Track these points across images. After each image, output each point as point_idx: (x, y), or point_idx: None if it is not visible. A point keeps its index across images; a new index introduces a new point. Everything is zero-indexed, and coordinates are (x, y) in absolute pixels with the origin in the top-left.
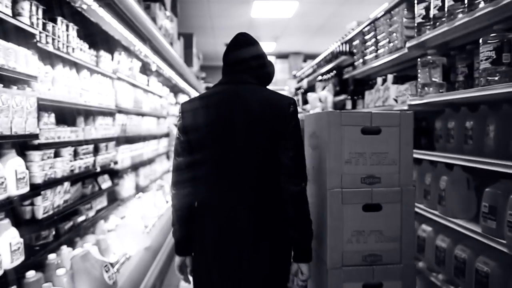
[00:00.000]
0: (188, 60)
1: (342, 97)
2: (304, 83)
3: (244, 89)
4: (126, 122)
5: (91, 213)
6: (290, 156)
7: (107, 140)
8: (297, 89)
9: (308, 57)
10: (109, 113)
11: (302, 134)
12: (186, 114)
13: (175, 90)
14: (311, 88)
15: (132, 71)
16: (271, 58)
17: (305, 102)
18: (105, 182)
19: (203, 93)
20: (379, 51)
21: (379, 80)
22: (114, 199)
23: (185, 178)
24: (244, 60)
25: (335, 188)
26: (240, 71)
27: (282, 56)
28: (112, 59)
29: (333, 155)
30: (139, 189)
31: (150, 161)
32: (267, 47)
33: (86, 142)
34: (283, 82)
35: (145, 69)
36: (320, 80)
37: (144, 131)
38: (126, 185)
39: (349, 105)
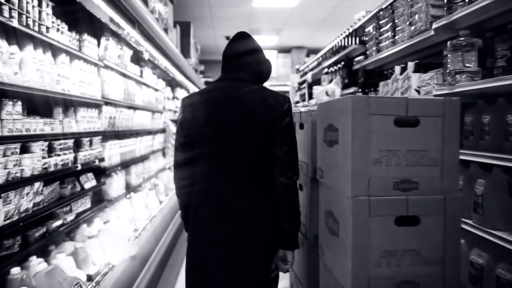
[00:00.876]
0: (185, 51)
1: (351, 89)
2: (309, 77)
3: (242, 86)
4: (115, 115)
5: (70, 217)
6: (283, 150)
7: (92, 134)
8: (301, 83)
9: (311, 51)
10: (94, 105)
11: (295, 129)
12: (186, 108)
13: (173, 84)
14: (316, 82)
15: (122, 60)
16: (272, 53)
17: (310, 96)
18: (89, 182)
19: (203, 89)
20: (397, 37)
21: (397, 69)
22: (100, 200)
23: (185, 169)
24: (242, 58)
25: (360, 195)
26: (238, 69)
27: (285, 50)
28: (99, 45)
29: (357, 153)
30: (130, 188)
31: (143, 158)
32: (269, 40)
33: (65, 136)
34: (285, 77)
35: (138, 59)
36: (327, 73)
37: (136, 126)
38: (115, 184)
39: None
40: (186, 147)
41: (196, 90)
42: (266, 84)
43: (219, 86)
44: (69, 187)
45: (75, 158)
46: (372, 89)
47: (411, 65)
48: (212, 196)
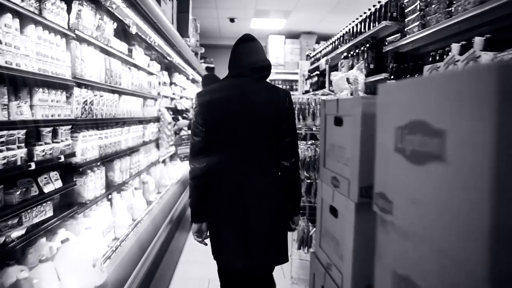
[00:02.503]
0: (182, 28)
1: (380, 76)
2: (322, 63)
3: (251, 83)
4: (93, 100)
5: (18, 232)
6: (285, 137)
7: (56, 123)
8: (312, 71)
9: (322, 38)
10: (61, 86)
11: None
12: (203, 101)
13: (170, 69)
14: (331, 68)
15: (102, 33)
16: (280, 38)
17: (322, 85)
18: (51, 183)
19: (216, 84)
20: (453, 6)
21: (455, 47)
22: (69, 204)
23: (201, 154)
24: (250, 58)
25: None
26: (247, 68)
27: (293, 36)
28: (70, 10)
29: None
30: (112, 187)
31: (131, 151)
32: (277, 24)
33: (11, 125)
34: (293, 65)
35: (127, 37)
36: (346, 57)
37: (123, 114)
38: (91, 184)
39: None
40: (203, 136)
41: (197, 76)
42: (273, 72)
43: (231, 83)
44: (19, 192)
45: (30, 154)
46: (409, 75)
47: (479, 41)
48: (227, 177)
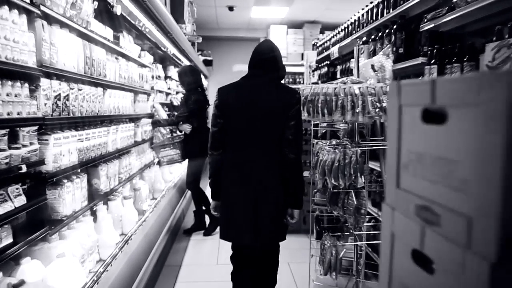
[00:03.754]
0: (177, 12)
1: (414, 61)
2: (334, 51)
3: (264, 83)
4: (68, 94)
5: None
6: (291, 132)
7: (15, 123)
8: (320, 61)
9: (326, 27)
10: (22, 76)
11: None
12: (222, 96)
13: (165, 61)
14: (343, 57)
15: (79, 12)
16: (282, 28)
17: (333, 76)
18: (9, 201)
19: (235, 82)
20: None
21: None
22: (40, 223)
23: (219, 143)
24: (269, 62)
25: None
26: (264, 69)
27: (296, 25)
28: None
29: None
30: (98, 197)
31: (121, 153)
32: (278, 12)
33: None
34: (296, 57)
35: (113, 22)
36: (365, 42)
37: (110, 110)
38: (69, 197)
39: (428, 73)
40: (220, 127)
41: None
42: None
43: (248, 81)
44: None
45: None
46: (453, 59)
47: None
48: (238, 164)
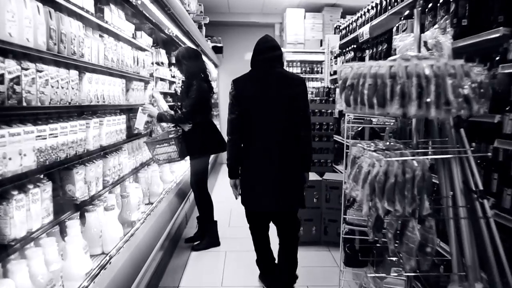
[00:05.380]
0: None
1: (487, 36)
2: (364, 32)
3: (274, 70)
4: (19, 75)
5: None
6: (302, 114)
7: None
8: (345, 45)
9: (348, 11)
10: None
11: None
12: (238, 87)
13: (170, 47)
14: (376, 39)
15: None
16: (299, 12)
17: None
18: None
19: (247, 73)
20: None
21: None
22: None
23: (236, 128)
24: (271, 52)
25: None
26: (269, 59)
27: (314, 9)
28: None
29: None
30: (71, 209)
31: (106, 151)
32: None
33: None
34: (314, 43)
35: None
36: (408, 17)
37: (90, 99)
38: (20, 214)
39: None
40: (238, 114)
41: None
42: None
43: (259, 71)
44: None
45: None
46: None
47: None
48: (258, 145)
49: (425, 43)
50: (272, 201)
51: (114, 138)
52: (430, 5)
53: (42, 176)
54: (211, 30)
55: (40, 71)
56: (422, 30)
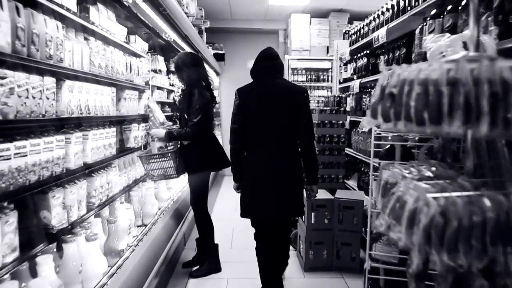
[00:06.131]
0: None
1: None
2: (380, 35)
3: (275, 81)
4: None
5: None
6: (304, 122)
7: None
8: (355, 52)
9: (356, 17)
10: None
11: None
12: (242, 97)
13: (169, 54)
14: (391, 43)
15: None
16: (304, 17)
17: (375, 69)
18: None
19: (250, 84)
20: None
21: None
22: None
23: (239, 136)
24: (272, 63)
25: None
26: (269, 67)
27: (320, 14)
28: None
29: None
30: (44, 240)
31: (92, 169)
32: (300, 0)
33: None
34: (320, 50)
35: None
36: (435, 16)
37: (72, 111)
38: None
39: None
40: (240, 123)
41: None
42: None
43: (262, 81)
44: None
45: None
46: None
47: None
48: (261, 152)
49: (464, 43)
50: (272, 208)
51: (102, 153)
52: (463, 2)
53: (6, 204)
54: (213, 36)
55: (3, 78)
56: (454, 30)
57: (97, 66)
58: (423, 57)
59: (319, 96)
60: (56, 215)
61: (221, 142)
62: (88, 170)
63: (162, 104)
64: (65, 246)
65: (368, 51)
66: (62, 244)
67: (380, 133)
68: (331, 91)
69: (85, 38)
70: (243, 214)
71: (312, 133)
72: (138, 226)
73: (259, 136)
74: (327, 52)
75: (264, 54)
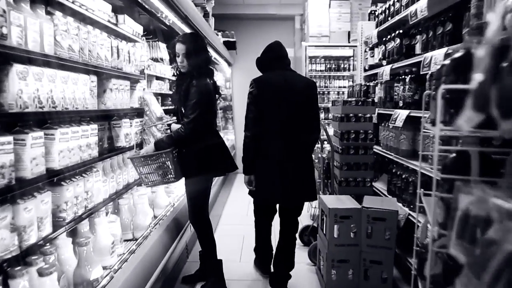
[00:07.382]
0: None
1: None
2: (419, 9)
3: (287, 73)
4: None
5: None
6: (312, 114)
7: None
8: (383, 33)
9: None
10: None
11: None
12: (257, 85)
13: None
14: (439, 16)
15: None
16: (323, 0)
17: (409, 52)
18: None
19: (265, 75)
20: None
21: None
22: None
23: (253, 126)
24: (282, 55)
25: None
26: (283, 62)
27: None
28: None
29: None
30: None
31: (62, 177)
32: None
33: None
34: (340, 36)
35: None
36: None
37: (24, 104)
38: None
39: None
40: (256, 112)
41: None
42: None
43: (275, 73)
44: None
45: None
46: None
47: None
48: (273, 142)
49: None
50: (287, 194)
51: (77, 156)
52: None
53: None
54: (223, 23)
55: None
56: None
57: (65, 48)
58: (480, 32)
59: (339, 87)
60: (5, 239)
61: (233, 138)
62: (56, 178)
63: (162, 97)
64: (12, 283)
65: (401, 31)
66: (8, 279)
67: (445, 134)
68: (353, 81)
69: (49, 13)
70: (258, 200)
71: (318, 124)
72: (127, 240)
73: (275, 125)
74: (349, 38)
75: (273, 45)
